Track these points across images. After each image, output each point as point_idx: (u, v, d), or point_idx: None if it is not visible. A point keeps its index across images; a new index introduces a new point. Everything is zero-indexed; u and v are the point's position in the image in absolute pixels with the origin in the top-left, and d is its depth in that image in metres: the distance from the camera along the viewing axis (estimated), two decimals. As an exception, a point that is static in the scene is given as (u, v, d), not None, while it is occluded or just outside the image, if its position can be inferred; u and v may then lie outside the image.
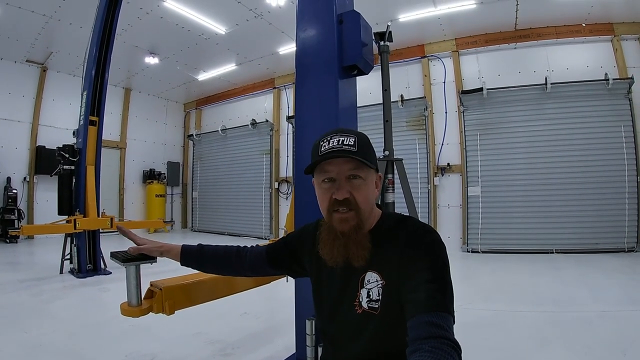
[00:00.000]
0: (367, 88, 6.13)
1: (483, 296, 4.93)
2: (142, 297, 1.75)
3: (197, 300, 2.11)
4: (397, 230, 1.22)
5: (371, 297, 1.20)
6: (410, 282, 1.08)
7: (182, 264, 1.60)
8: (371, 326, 1.19)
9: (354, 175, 1.20)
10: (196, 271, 1.70)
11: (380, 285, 1.18)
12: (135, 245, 1.55)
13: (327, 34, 2.53)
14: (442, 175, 8.93)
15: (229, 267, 1.62)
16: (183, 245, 1.60)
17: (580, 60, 8.08)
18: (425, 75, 9.36)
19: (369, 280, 1.21)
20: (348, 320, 1.25)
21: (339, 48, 2.50)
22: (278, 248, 1.58)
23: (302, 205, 2.56)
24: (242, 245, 1.65)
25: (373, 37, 2.95)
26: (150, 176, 13.31)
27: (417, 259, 1.11)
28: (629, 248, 7.28)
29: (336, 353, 1.33)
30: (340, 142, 1.19)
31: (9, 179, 9.80)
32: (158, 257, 1.58)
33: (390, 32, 3.73)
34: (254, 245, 1.67)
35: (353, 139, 1.20)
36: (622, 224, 7.37)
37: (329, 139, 1.22)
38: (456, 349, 0.90)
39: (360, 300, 1.22)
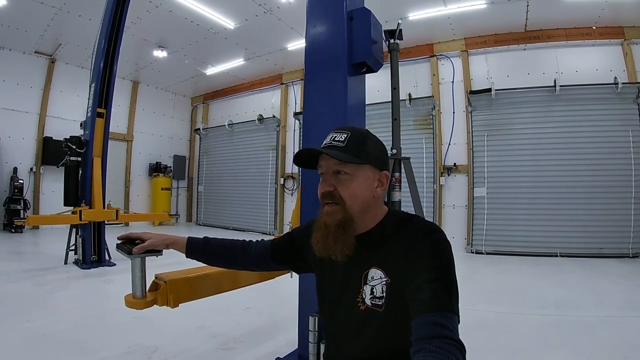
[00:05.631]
0: (375, 86, 6.09)
1: (486, 297, 4.93)
2: (147, 289, 1.75)
3: (202, 294, 2.11)
4: (403, 228, 1.21)
5: (375, 294, 1.19)
6: (415, 281, 1.07)
7: (187, 256, 1.60)
8: (374, 323, 1.18)
9: (339, 171, 1.21)
10: (201, 264, 1.70)
11: (384, 283, 1.18)
12: (141, 244, 1.54)
13: (337, 31, 2.53)
14: (448, 175, 8.91)
15: (233, 260, 1.63)
16: (189, 237, 1.60)
17: (589, 63, 8.03)
18: (434, 75, 9.34)
19: (372, 277, 1.21)
20: (350, 317, 1.25)
21: (348, 45, 2.50)
22: (282, 244, 1.59)
23: (308, 201, 2.56)
24: (247, 240, 1.66)
25: (383, 35, 2.94)
26: (156, 169, 13.37)
27: (422, 258, 1.10)
28: (634, 254, 7.23)
29: (338, 350, 1.33)
30: (332, 139, 1.24)
31: (15, 169, 9.86)
32: (164, 250, 1.58)
33: (400, 30, 3.72)
34: (260, 239, 1.67)
35: (345, 135, 1.23)
36: (627, 229, 7.32)
37: (328, 136, 1.27)
38: (461, 349, 0.89)
39: (364, 296, 1.21)
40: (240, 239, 1.66)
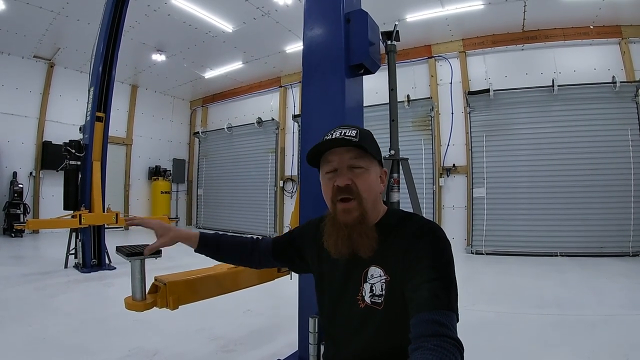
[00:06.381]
0: (373, 88, 6.13)
1: (487, 298, 4.92)
2: (147, 291, 1.76)
3: (201, 296, 2.11)
4: (402, 226, 1.22)
5: (374, 292, 1.20)
6: (414, 279, 1.08)
7: (196, 251, 1.60)
8: (374, 321, 1.19)
9: (355, 165, 1.21)
10: (200, 267, 1.71)
11: (383, 281, 1.19)
12: (150, 245, 1.54)
13: (335, 33, 2.53)
14: (448, 176, 8.92)
15: (242, 257, 1.64)
16: (200, 232, 1.60)
17: (587, 62, 8.04)
18: (432, 76, 9.35)
19: (372, 275, 1.21)
20: (350, 315, 1.25)
21: (346, 47, 2.50)
22: (283, 241, 1.60)
23: (306, 203, 2.56)
24: (254, 237, 1.68)
25: (380, 37, 2.95)
26: (155, 173, 13.38)
27: (421, 256, 1.11)
28: (634, 252, 7.23)
29: (338, 350, 1.33)
30: (342, 134, 1.23)
31: (15, 174, 9.86)
32: (162, 252, 1.59)
33: (397, 31, 3.74)
34: (264, 237, 1.69)
35: (355, 132, 1.23)
36: (627, 228, 7.32)
37: (332, 132, 1.27)
38: (459, 347, 0.90)
39: (363, 294, 1.22)
40: (249, 237, 1.67)
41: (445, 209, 9.01)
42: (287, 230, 1.70)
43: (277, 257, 1.60)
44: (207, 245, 1.59)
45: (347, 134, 1.22)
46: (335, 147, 1.23)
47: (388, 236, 1.23)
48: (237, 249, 1.63)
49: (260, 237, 1.68)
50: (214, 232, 1.65)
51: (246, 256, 1.63)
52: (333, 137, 1.23)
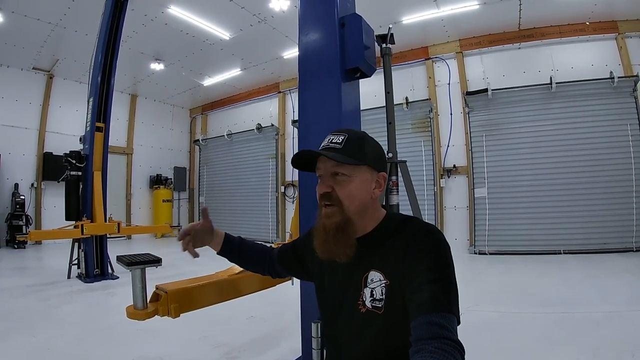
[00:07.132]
0: (372, 91, 6.12)
1: (490, 298, 4.91)
2: (148, 300, 1.76)
3: (203, 304, 2.11)
4: (401, 230, 1.22)
5: (375, 296, 1.19)
6: (414, 282, 1.07)
7: (218, 253, 1.62)
8: (375, 325, 1.18)
9: (337, 172, 1.22)
10: (201, 274, 1.72)
11: (383, 285, 1.18)
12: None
13: (329, 38, 2.54)
14: (449, 177, 8.91)
15: (259, 264, 1.67)
16: (226, 233, 1.62)
17: (584, 58, 8.04)
18: (430, 77, 9.37)
19: (372, 280, 1.21)
20: (351, 320, 1.25)
21: (341, 51, 2.51)
22: (287, 249, 1.62)
23: (306, 208, 2.56)
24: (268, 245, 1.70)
25: (375, 40, 2.95)
26: (157, 181, 13.39)
27: (420, 259, 1.10)
28: (638, 247, 7.19)
29: (340, 354, 1.33)
30: (329, 141, 1.25)
31: (16, 185, 9.90)
32: (163, 261, 1.59)
33: (391, 34, 3.74)
34: (273, 246, 1.71)
35: (342, 137, 1.23)
36: (630, 223, 7.30)
37: (325, 138, 1.27)
38: (459, 350, 0.89)
39: (364, 299, 1.22)
40: (266, 245, 1.70)
41: (447, 209, 9.00)
42: (288, 236, 1.72)
43: (282, 264, 1.62)
44: (230, 248, 1.61)
45: (333, 140, 1.23)
46: (314, 156, 1.26)
47: (387, 240, 1.23)
48: (256, 256, 1.66)
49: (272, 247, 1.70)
50: (238, 235, 1.68)
51: (260, 264, 1.66)
52: (324, 143, 1.25)
